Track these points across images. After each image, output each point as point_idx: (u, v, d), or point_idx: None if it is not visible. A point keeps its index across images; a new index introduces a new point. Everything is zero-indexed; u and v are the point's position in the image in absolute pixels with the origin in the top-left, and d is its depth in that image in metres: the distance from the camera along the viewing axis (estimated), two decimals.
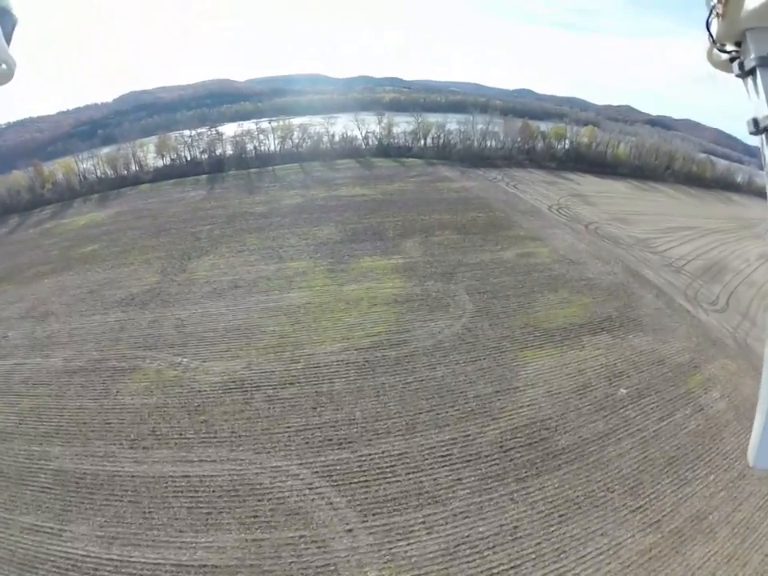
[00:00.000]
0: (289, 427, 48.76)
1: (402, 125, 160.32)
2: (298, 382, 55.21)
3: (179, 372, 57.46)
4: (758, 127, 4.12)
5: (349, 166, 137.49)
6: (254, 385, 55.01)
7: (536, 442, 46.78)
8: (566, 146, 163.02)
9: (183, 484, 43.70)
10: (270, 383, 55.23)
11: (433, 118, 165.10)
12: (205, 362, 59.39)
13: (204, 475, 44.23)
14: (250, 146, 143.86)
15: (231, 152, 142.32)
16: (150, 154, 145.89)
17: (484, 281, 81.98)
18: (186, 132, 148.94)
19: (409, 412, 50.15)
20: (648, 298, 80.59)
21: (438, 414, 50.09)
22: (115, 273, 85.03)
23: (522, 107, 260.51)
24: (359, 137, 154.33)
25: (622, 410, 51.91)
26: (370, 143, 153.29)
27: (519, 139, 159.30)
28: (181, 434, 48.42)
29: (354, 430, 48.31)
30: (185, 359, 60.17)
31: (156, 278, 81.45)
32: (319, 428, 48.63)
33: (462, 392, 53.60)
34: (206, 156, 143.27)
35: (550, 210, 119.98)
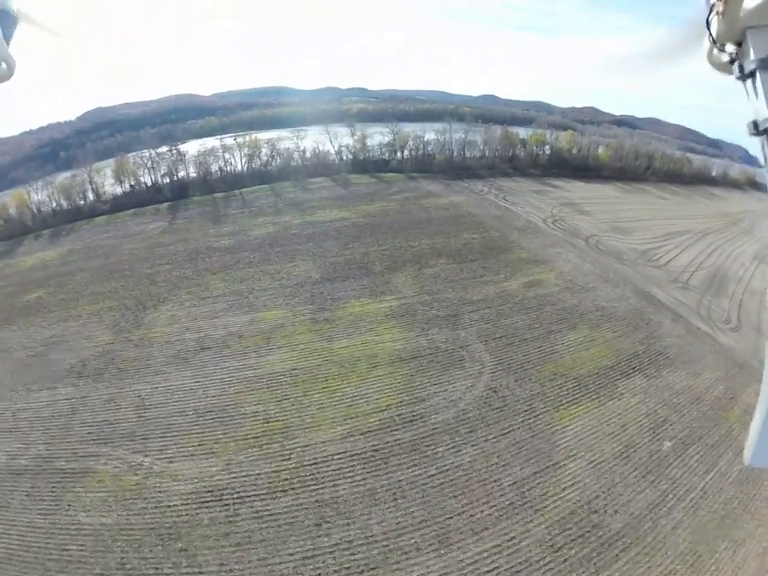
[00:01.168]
0: (291, 555, 37.05)
1: (377, 136, 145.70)
2: (292, 489, 42.42)
3: (141, 478, 43.58)
4: (758, 129, 4.01)
5: (323, 184, 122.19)
6: (236, 495, 41.90)
7: (588, 532, 39.76)
8: (548, 153, 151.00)
9: None
10: (257, 492, 42.25)
11: (407, 128, 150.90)
12: (172, 461, 45.23)
13: None
14: (215, 167, 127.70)
15: (195, 174, 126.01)
16: (108, 180, 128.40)
17: (495, 322, 68.88)
18: (146, 153, 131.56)
19: (437, 518, 39.87)
20: (666, 324, 74.41)
21: (471, 515, 40.28)
22: (62, 328, 68.78)
23: (491, 113, 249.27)
24: (332, 151, 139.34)
25: (668, 470, 46.49)
26: (344, 158, 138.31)
27: (500, 147, 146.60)
28: (157, 569, 36.36)
29: (375, 550, 37.55)
30: (146, 458, 45.65)
31: (108, 336, 65.49)
32: (330, 552, 37.34)
33: (496, 480, 43.74)
34: (168, 180, 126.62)
35: (546, 224, 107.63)
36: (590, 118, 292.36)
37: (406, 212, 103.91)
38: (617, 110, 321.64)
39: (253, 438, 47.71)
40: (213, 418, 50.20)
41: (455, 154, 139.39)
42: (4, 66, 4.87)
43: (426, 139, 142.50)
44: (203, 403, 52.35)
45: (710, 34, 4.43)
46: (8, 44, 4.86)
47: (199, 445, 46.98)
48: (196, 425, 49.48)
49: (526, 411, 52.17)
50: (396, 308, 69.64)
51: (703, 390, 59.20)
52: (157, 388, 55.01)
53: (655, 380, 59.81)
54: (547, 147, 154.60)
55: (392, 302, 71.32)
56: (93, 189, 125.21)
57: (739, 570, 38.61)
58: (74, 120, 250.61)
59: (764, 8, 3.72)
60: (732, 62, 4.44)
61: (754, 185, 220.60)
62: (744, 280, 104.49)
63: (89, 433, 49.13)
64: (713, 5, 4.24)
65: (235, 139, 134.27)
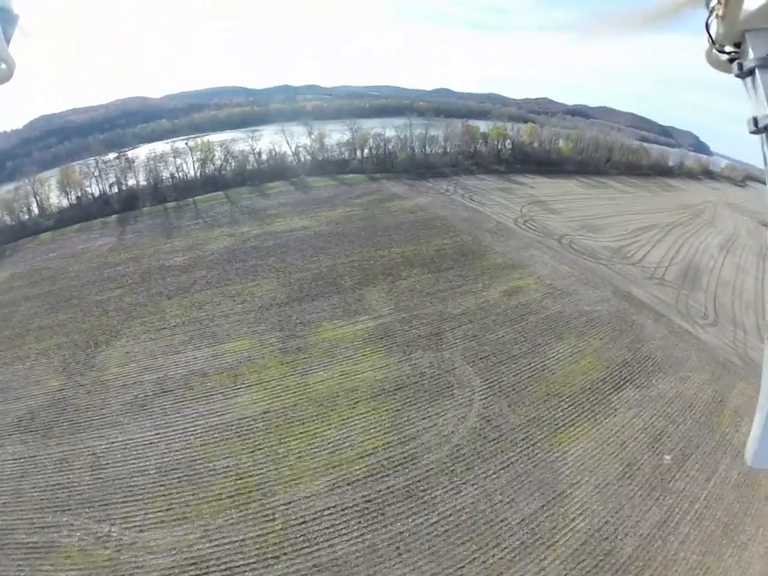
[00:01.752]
0: None
1: (335, 135, 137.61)
2: (284, 554, 37.02)
3: (112, 551, 37.11)
4: (757, 126, 3.94)
5: (281, 189, 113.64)
6: (222, 566, 36.06)
7: (601, 561, 38.22)
8: (510, 148, 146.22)
9: None
10: (246, 561, 36.49)
11: (365, 125, 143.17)
12: (142, 531, 38.62)
13: None
14: (165, 173, 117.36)
15: (145, 182, 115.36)
16: (53, 192, 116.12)
17: (480, 338, 63.88)
18: (92, 161, 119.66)
19: (448, 569, 36.53)
20: (649, 325, 73.55)
21: (483, 561, 37.24)
22: (9, 372, 59.15)
23: (447, 107, 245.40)
24: (289, 152, 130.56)
25: (671, 484, 45.67)
26: (303, 159, 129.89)
27: (461, 143, 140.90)
28: None
29: None
30: (113, 528, 38.79)
31: (58, 380, 56.69)
32: None
33: (503, 520, 40.58)
34: (116, 190, 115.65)
35: (517, 225, 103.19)
36: (543, 108, 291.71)
37: (371, 217, 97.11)
38: (569, 100, 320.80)
39: (227, 497, 41.27)
40: (179, 477, 43.25)
41: (417, 151, 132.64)
42: (4, 66, 4.51)
43: (386, 136, 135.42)
44: (167, 459, 45.20)
45: (710, 36, 4.34)
46: (8, 44, 4.52)
47: (168, 509, 40.32)
48: (161, 485, 42.50)
49: (523, 440, 48.58)
50: (373, 329, 63.30)
51: (693, 396, 58.50)
52: (113, 443, 47.31)
53: (647, 390, 58.36)
54: (509, 142, 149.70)
55: (367, 322, 64.93)
56: (37, 202, 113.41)
57: (745, 574, 38.73)
58: (21, 128, 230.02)
59: (763, 11, 3.70)
60: (731, 60, 4.29)
61: (708, 174, 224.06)
62: (715, 271, 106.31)
63: (43, 499, 41.84)
64: (712, 8, 4.19)
65: (186, 143, 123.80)
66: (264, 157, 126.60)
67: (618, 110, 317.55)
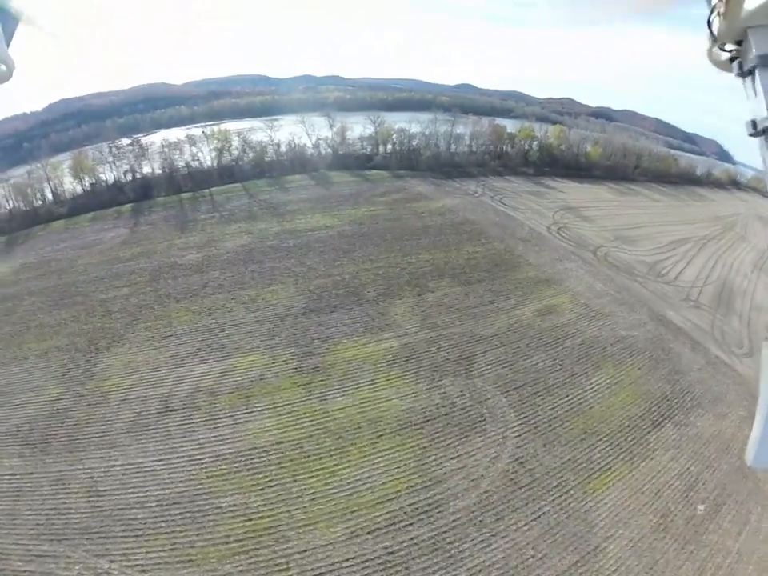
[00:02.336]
0: None
1: (357, 127, 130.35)
2: None
3: None
4: (756, 129, 3.84)
5: (301, 183, 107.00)
6: None
7: None
8: (537, 150, 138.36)
9: None
10: None
11: (388, 118, 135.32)
12: (145, 571, 33.89)
13: None
14: (181, 163, 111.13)
15: (160, 171, 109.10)
16: (67, 178, 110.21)
17: (513, 365, 57.66)
18: (106, 147, 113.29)
19: None
20: (687, 355, 67.74)
21: None
22: (7, 374, 54.18)
23: (471, 103, 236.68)
24: (309, 145, 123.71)
25: (703, 536, 41.63)
26: (323, 152, 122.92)
27: (488, 142, 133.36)
28: None
29: None
30: (113, 564, 34.19)
31: (57, 388, 51.45)
32: None
33: None
34: (131, 178, 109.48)
35: (551, 233, 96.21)
36: (567, 109, 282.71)
37: (396, 218, 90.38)
38: (592, 102, 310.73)
39: (235, 541, 36.09)
40: (182, 513, 38.07)
41: (443, 149, 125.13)
42: (3, 67, 4.20)
43: (410, 132, 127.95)
44: (169, 491, 40.01)
45: (711, 33, 4.16)
46: (8, 45, 4.23)
47: (171, 549, 35.38)
48: (163, 521, 37.39)
49: (556, 487, 43.47)
50: (398, 349, 57.02)
51: (731, 437, 53.62)
52: (112, 467, 42.19)
53: (685, 428, 53.57)
54: (535, 143, 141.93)
55: (392, 340, 58.63)
56: (51, 188, 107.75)
57: None
58: (40, 111, 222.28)
59: (765, 9, 3.58)
60: (732, 60, 4.13)
61: (735, 184, 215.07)
62: (749, 293, 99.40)
63: (38, 524, 37.27)
64: (714, 5, 4.00)
65: (203, 131, 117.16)
66: (283, 148, 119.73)
67: (643, 114, 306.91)
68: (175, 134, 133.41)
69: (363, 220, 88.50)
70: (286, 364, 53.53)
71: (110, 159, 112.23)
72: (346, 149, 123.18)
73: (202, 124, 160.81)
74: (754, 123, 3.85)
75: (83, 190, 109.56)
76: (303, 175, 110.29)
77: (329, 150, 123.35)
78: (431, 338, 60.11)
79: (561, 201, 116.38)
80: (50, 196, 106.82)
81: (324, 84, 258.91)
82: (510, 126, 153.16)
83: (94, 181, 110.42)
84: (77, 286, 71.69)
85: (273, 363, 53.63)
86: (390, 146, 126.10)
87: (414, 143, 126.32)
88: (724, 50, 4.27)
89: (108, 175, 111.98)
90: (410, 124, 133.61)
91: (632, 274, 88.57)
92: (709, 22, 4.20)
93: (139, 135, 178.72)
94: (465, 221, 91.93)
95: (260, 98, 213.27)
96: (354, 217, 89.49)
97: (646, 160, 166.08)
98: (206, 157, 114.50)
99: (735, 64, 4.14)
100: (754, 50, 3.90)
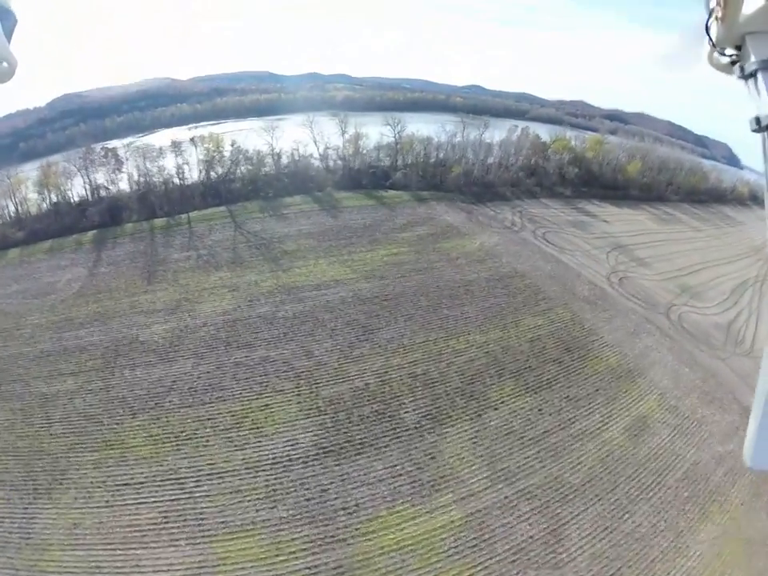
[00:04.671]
0: None
1: (371, 131, 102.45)
2: None
3: None
4: (760, 125, 3.55)
5: (303, 207, 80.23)
6: None
7: None
8: (576, 166, 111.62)
9: None
10: None
11: (402, 120, 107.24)
12: None
13: None
14: (160, 177, 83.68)
15: (133, 187, 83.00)
16: (31, 194, 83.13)
17: (613, 532, 38.51)
18: (78, 155, 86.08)
19: None
20: None
21: None
22: None
23: (484, 104, 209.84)
24: (316, 155, 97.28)
25: None
26: (332, 164, 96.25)
27: (527, 155, 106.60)
28: None
29: None
30: None
31: None
32: None
33: None
34: (97, 196, 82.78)
35: (613, 287, 71.88)
36: (581, 111, 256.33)
37: (427, 268, 64.71)
38: (605, 104, 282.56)
39: None
40: None
41: (475, 165, 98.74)
42: (5, 65, 3.93)
43: (435, 142, 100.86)
44: None
45: (710, 38, 3.93)
46: (9, 42, 3.91)
47: None
48: None
49: None
50: (462, 526, 33.15)
51: None
52: None
53: None
54: (568, 156, 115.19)
55: (452, 509, 35.05)
56: (14, 204, 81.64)
57: None
58: (43, 106, 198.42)
59: (762, 14, 3.43)
60: (733, 63, 3.87)
61: (754, 199, 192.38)
62: None
63: None
64: (712, 10, 3.82)
65: (192, 138, 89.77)
66: (284, 159, 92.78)
67: (655, 116, 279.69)
68: (176, 133, 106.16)
69: (384, 271, 62.74)
70: (297, 560, 29.25)
71: (80, 172, 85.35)
72: (360, 160, 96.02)
73: (205, 123, 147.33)
74: (757, 120, 3.50)
75: (47, 207, 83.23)
76: (305, 196, 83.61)
77: (339, 162, 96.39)
78: (506, 499, 36.03)
79: (608, 235, 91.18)
80: (11, 214, 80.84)
81: (331, 82, 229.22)
82: (540, 132, 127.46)
83: (57, 199, 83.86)
84: (18, 364, 47.74)
85: (276, 556, 29.37)
86: (410, 158, 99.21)
87: (440, 155, 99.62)
88: (724, 55, 3.94)
89: (79, 189, 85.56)
90: (427, 126, 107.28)
91: (711, 346, 65.29)
92: (707, 27, 3.96)
93: (139, 135, 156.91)
94: (513, 272, 66.61)
95: (265, 96, 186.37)
96: (371, 265, 63.65)
97: (680, 175, 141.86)
98: (193, 169, 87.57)
99: (736, 67, 3.81)
100: (753, 56, 3.61)
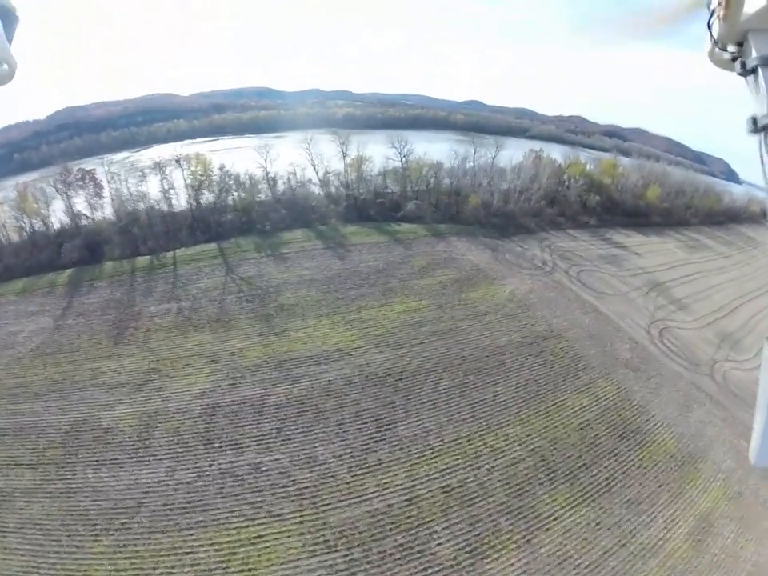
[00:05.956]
0: None
1: (373, 152, 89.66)
2: None
3: None
4: (756, 126, 3.49)
5: (304, 245, 67.30)
6: None
7: None
8: (595, 193, 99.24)
9: None
10: None
11: (413, 145, 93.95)
12: None
13: None
14: (142, 205, 71.19)
15: (116, 217, 70.13)
16: (9, 219, 70.78)
17: None
18: (57, 176, 73.77)
19: None
20: None
21: None
22: None
23: (486, 122, 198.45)
24: (314, 179, 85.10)
25: None
26: (334, 191, 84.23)
27: (545, 185, 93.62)
28: None
29: None
30: None
31: None
32: None
33: None
34: (78, 223, 70.51)
35: (654, 342, 60.37)
36: (580, 128, 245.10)
37: (452, 329, 52.14)
38: (602, 119, 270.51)
39: None
40: None
41: (495, 195, 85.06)
42: (6, 67, 3.80)
43: (446, 168, 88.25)
44: None
45: (712, 36, 3.83)
46: (9, 44, 3.80)
47: None
48: None
49: None
50: None
51: None
52: None
53: None
54: (584, 181, 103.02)
55: None
56: None
57: None
58: (43, 119, 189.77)
59: (763, 13, 3.36)
60: (734, 59, 3.80)
61: (764, 215, 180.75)
62: None
63: None
64: (713, 9, 3.72)
65: (177, 158, 76.88)
66: (280, 186, 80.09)
67: (652, 132, 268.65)
68: (170, 150, 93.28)
69: (400, 335, 50.20)
70: None
71: (60, 194, 73.01)
72: (366, 188, 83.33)
73: (201, 140, 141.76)
74: (754, 120, 3.44)
75: (25, 237, 70.99)
76: (307, 231, 71.23)
77: (342, 189, 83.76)
78: None
79: (643, 271, 79.50)
80: None
81: (332, 99, 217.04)
82: (551, 151, 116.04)
83: (35, 227, 71.65)
84: None
85: None
86: (421, 185, 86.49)
87: (454, 183, 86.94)
88: (725, 51, 3.86)
89: (59, 216, 73.41)
90: (430, 146, 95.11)
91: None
92: (709, 25, 3.85)
93: (134, 150, 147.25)
94: (549, 332, 54.26)
95: (263, 113, 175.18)
96: (384, 327, 51.10)
97: (696, 197, 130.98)
98: (180, 194, 74.98)
99: (737, 63, 3.75)
100: (755, 52, 3.55)
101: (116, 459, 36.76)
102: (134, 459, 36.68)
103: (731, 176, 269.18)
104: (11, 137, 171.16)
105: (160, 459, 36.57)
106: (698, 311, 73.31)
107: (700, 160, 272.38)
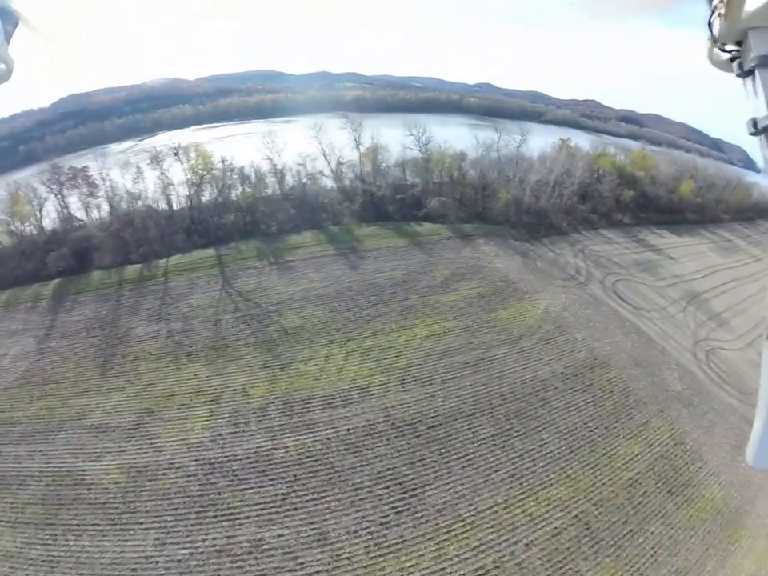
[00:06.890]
0: None
1: (391, 143, 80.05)
2: None
3: None
4: (756, 128, 3.44)
5: (313, 251, 60.06)
6: None
7: None
8: (630, 188, 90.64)
9: None
10: None
11: (416, 121, 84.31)
12: None
13: None
14: (138, 203, 64.25)
15: (109, 219, 63.23)
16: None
17: None
18: (49, 174, 66.49)
19: None
20: None
21: None
22: None
23: (498, 105, 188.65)
24: (327, 171, 76.64)
25: None
26: (348, 185, 76.30)
27: (579, 179, 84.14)
28: None
29: None
30: None
31: None
32: None
33: None
34: (70, 226, 63.61)
35: (702, 368, 53.79)
36: (595, 113, 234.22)
37: (483, 359, 45.23)
38: (617, 104, 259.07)
39: None
40: None
41: (526, 190, 75.51)
42: (3, 66, 3.79)
43: (471, 158, 79.41)
44: None
45: (712, 34, 3.77)
46: (8, 44, 3.78)
47: None
48: None
49: None
50: None
51: None
52: None
53: None
54: (616, 174, 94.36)
55: None
56: None
57: None
58: (48, 107, 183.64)
59: (765, 10, 3.24)
60: (733, 59, 3.73)
61: None
62: None
63: None
64: (714, 6, 3.64)
65: (176, 151, 68.44)
66: (288, 180, 72.38)
67: (669, 118, 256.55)
68: (175, 137, 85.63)
69: (427, 367, 43.24)
70: None
71: (54, 195, 65.92)
72: (384, 182, 74.90)
73: (207, 126, 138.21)
74: (754, 122, 3.39)
75: (14, 242, 64.16)
76: (317, 233, 63.92)
77: (357, 183, 75.61)
78: None
79: (678, 279, 72.16)
80: None
81: (341, 81, 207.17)
82: (574, 137, 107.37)
83: (23, 231, 64.84)
84: None
85: None
86: (444, 178, 78.10)
87: (480, 175, 78.26)
88: (724, 51, 3.82)
89: (52, 218, 66.76)
90: (445, 130, 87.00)
91: None
92: (709, 23, 3.80)
93: (139, 138, 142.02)
94: (592, 359, 47.29)
95: (270, 97, 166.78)
96: (407, 357, 44.14)
97: (726, 191, 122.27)
98: (178, 190, 67.40)
99: (736, 64, 3.70)
100: (753, 51, 3.49)
101: (98, 525, 30.78)
102: (118, 527, 30.62)
103: (749, 164, 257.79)
104: (16, 127, 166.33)
105: (146, 529, 30.37)
106: (737, 328, 66.12)
107: (717, 147, 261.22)
